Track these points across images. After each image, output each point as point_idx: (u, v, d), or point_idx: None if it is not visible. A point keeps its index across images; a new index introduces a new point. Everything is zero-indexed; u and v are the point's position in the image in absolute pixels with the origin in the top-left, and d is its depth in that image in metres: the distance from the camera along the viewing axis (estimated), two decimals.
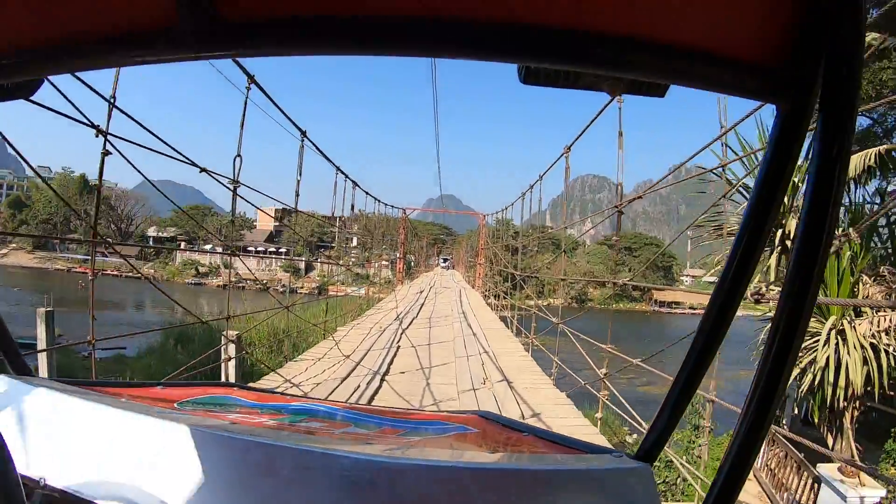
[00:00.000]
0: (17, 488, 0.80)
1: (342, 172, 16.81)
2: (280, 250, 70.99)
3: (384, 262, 41.96)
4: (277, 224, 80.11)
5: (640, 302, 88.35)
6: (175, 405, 1.55)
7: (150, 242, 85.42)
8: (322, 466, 1.06)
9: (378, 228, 31.41)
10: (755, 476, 9.86)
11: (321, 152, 11.53)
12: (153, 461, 1.13)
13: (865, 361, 9.31)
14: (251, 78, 7.23)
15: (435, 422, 1.83)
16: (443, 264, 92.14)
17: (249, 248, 74.50)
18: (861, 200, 11.78)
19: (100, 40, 0.82)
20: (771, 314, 1.39)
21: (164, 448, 1.14)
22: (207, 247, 76.58)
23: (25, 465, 0.95)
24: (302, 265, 73.08)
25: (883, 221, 11.23)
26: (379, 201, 28.64)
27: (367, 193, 23.64)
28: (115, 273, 64.61)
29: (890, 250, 11.52)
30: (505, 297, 23.87)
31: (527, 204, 18.67)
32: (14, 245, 79.37)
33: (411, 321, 17.23)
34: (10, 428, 1.04)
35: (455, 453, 1.22)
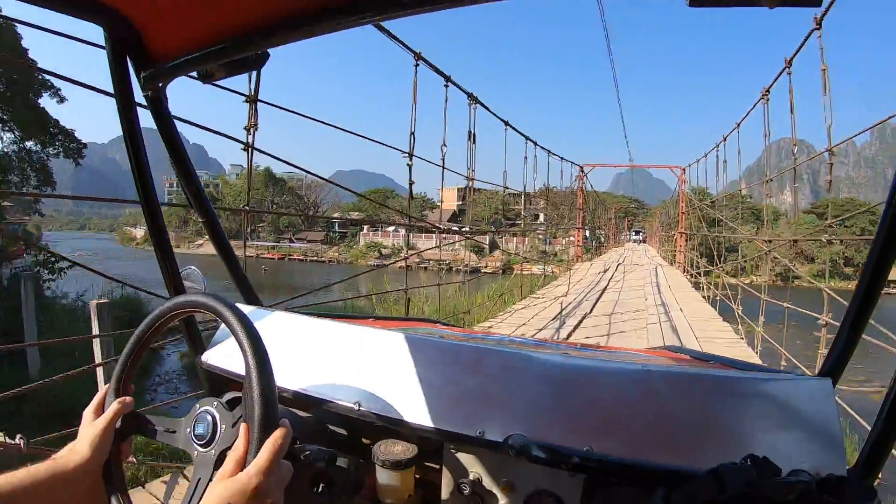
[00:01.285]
0: (275, 396, 0.98)
1: (523, 136, 16.42)
2: (463, 229, 71.58)
3: (572, 238, 40.84)
4: (460, 203, 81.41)
5: (854, 279, 77.71)
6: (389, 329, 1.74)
7: (337, 227, 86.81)
8: (524, 366, 1.20)
9: (564, 203, 30.76)
10: None
11: (501, 119, 12.08)
12: (371, 364, 1.35)
13: None
14: (418, 55, 7.91)
15: (628, 353, 2.06)
16: (634, 237, 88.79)
17: (432, 229, 74.81)
18: None
19: (308, 14, 1.03)
20: None
21: (388, 354, 1.35)
22: (390, 228, 79.67)
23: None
24: (486, 243, 72.99)
25: None
26: (564, 159, 26.25)
27: (549, 152, 21.60)
28: (301, 258, 69.95)
29: None
30: (699, 275, 21.51)
31: (720, 167, 17.50)
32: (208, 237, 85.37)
33: (579, 321, 11.38)
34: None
35: (645, 364, 1.23)
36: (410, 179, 8.35)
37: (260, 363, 1.00)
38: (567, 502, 1.08)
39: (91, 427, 1.19)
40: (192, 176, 1.66)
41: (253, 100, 5.08)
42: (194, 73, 1.43)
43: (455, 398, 1.21)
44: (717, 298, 15.33)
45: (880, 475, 1.02)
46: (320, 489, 1.21)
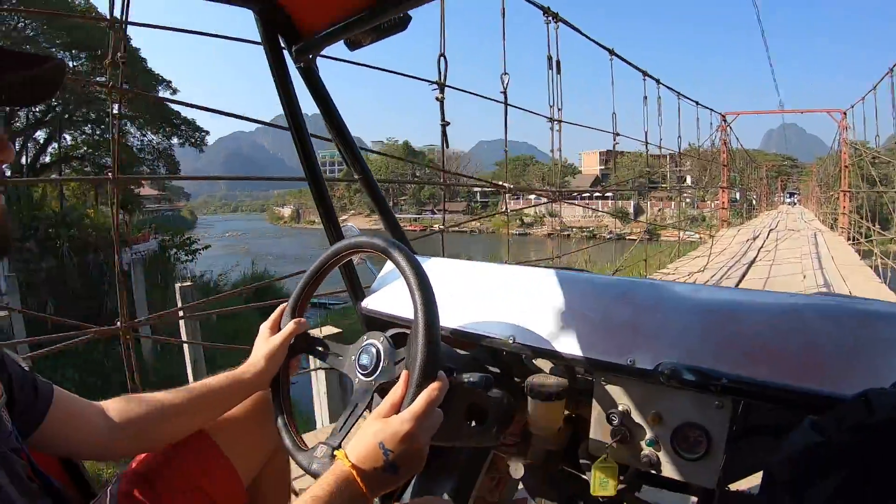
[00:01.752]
0: (438, 347, 1.06)
1: (639, 70, 14.62)
2: (606, 195, 70.43)
3: (721, 203, 38.84)
4: (602, 167, 79.58)
5: None
6: None
7: (478, 197, 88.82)
8: (673, 297, 1.26)
9: (712, 162, 29.18)
10: None
11: (604, 47, 10.48)
12: (524, 301, 1.44)
13: None
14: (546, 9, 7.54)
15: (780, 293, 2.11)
16: (788, 199, 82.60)
17: (574, 195, 74.53)
18: None
19: None
20: None
21: (541, 291, 1.43)
22: (532, 196, 78.90)
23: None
24: (630, 209, 68.02)
25: None
26: (700, 105, 20.64)
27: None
28: (442, 228, 70.24)
29: None
30: (869, 243, 17.85)
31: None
32: (353, 212, 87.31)
33: None
34: None
35: (796, 295, 1.24)
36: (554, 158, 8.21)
37: (428, 312, 1.06)
38: (714, 435, 1.09)
39: (267, 343, 1.35)
40: (349, 142, 1.79)
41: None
42: (341, 42, 1.52)
43: (606, 329, 1.26)
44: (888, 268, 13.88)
45: None
46: (475, 422, 1.30)
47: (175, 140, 26.08)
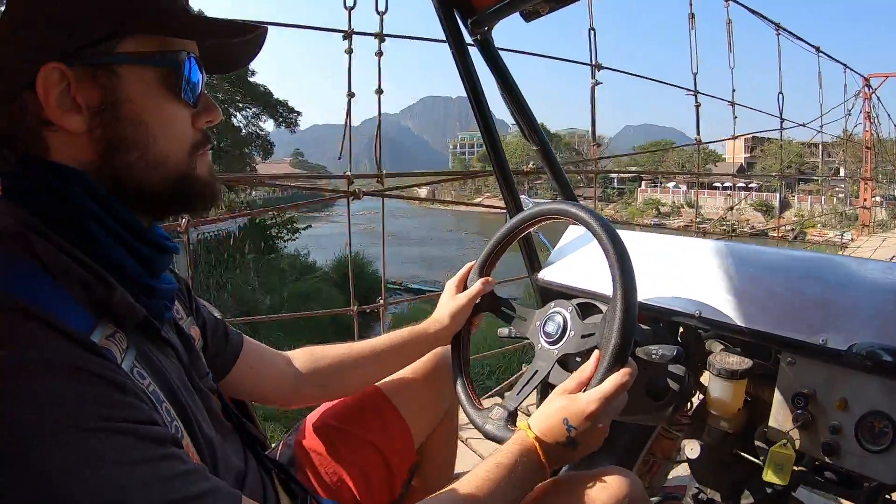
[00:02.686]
0: (632, 330, 1.07)
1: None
2: (750, 185, 66.89)
3: (876, 200, 35.37)
4: (748, 155, 75.76)
5: None
6: None
7: (615, 183, 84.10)
8: (866, 274, 1.21)
9: (873, 150, 26.34)
10: None
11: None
12: (710, 275, 1.41)
13: None
14: (817, 49, 8.14)
15: None
16: None
17: (716, 185, 68.95)
18: None
19: None
20: None
21: (727, 265, 1.41)
22: (670, 184, 75.54)
23: (605, 284, 1.18)
24: (775, 202, 62.18)
25: None
26: (829, 58, 16.25)
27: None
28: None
29: None
30: None
31: None
32: (487, 194, 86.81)
33: None
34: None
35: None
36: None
37: (627, 293, 1.06)
38: None
39: (453, 300, 1.40)
40: (527, 112, 1.80)
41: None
42: (517, 14, 1.54)
43: (796, 305, 1.20)
44: None
45: None
46: (658, 397, 1.31)
47: (271, 123, 26.71)
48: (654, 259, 1.54)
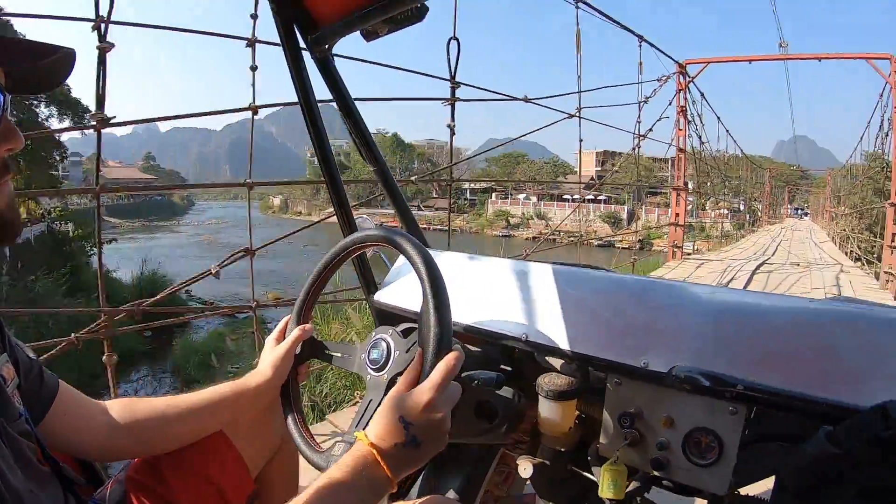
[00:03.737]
0: (450, 323, 1.09)
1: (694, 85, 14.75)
2: (599, 198, 71.20)
3: (722, 212, 38.08)
4: (598, 168, 79.60)
5: None
6: None
7: (467, 195, 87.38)
8: (688, 298, 1.26)
9: (717, 167, 28.14)
10: None
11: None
12: (537, 298, 1.44)
13: None
14: (640, 37, 9.39)
15: (795, 297, 2.13)
16: (796, 212, 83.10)
17: (566, 197, 74.75)
18: None
19: None
20: None
21: (554, 288, 1.43)
22: (521, 196, 79.32)
23: None
24: (624, 214, 69.54)
25: None
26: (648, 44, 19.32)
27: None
28: (425, 226, 70.83)
29: None
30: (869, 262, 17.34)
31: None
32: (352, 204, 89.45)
33: None
34: None
35: (813, 301, 1.22)
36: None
37: (436, 289, 1.09)
38: (726, 440, 1.10)
39: (273, 351, 1.38)
40: (364, 132, 1.80)
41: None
42: (358, 32, 1.54)
43: (620, 329, 1.26)
44: None
45: None
46: (485, 420, 1.38)
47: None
48: (484, 282, 1.61)
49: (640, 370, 1.19)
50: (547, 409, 1.35)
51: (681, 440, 1.15)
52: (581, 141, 7.99)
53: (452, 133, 5.57)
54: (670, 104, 13.17)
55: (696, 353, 1.15)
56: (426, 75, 5.78)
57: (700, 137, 16.52)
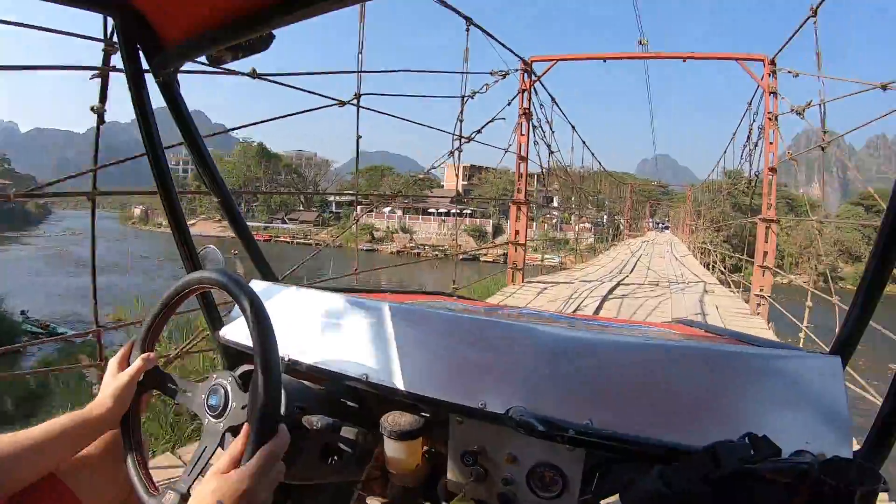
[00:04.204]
0: (278, 403, 1.10)
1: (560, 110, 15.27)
2: (465, 212, 72.24)
3: (586, 225, 38.91)
4: (465, 183, 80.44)
5: None
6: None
7: (333, 207, 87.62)
8: (526, 338, 1.25)
9: (583, 182, 28.53)
10: None
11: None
12: (378, 337, 1.41)
13: None
14: (468, 20, 8.98)
15: (639, 326, 2.23)
16: (658, 225, 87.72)
17: (431, 210, 75.34)
18: None
19: None
20: None
21: (395, 327, 1.41)
22: (386, 209, 79.18)
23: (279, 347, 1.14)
24: (489, 228, 71.51)
25: None
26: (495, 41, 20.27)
27: (584, 143, 21.53)
28: (288, 240, 69.33)
29: None
30: (723, 272, 18.82)
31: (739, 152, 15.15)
32: (203, 216, 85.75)
33: None
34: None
35: (647, 338, 1.26)
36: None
37: (267, 367, 1.06)
38: (569, 475, 1.14)
39: (115, 379, 1.33)
40: (206, 158, 1.79)
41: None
42: (203, 59, 1.55)
43: (459, 370, 1.26)
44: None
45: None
46: (331, 461, 1.37)
47: None
48: (327, 319, 1.57)
49: (477, 411, 1.18)
50: (392, 448, 1.33)
51: (524, 475, 1.18)
52: (359, 137, 6.75)
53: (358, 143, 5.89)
54: (509, 104, 12.08)
55: (531, 393, 1.15)
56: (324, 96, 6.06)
57: (549, 146, 15.20)
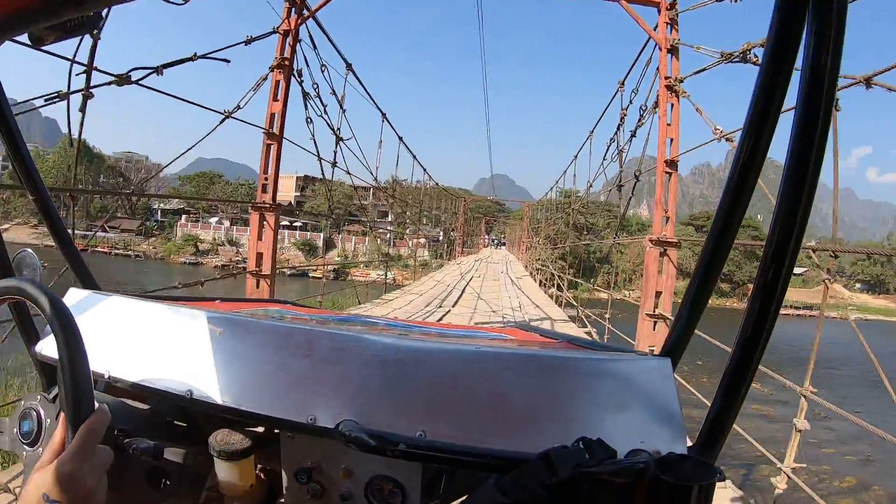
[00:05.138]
0: (88, 381, 1.04)
1: (387, 121, 15.37)
2: (295, 224, 71.04)
3: (421, 241, 38.68)
4: (298, 194, 79.12)
5: (731, 297, 76.98)
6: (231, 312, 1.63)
7: (158, 216, 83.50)
8: (355, 348, 1.22)
9: (418, 198, 28.17)
10: None
11: (368, 94, 11.83)
12: (203, 350, 1.32)
13: None
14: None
15: (476, 332, 2.27)
16: (493, 242, 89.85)
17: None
18: None
19: None
20: None
21: (219, 338, 1.33)
22: (213, 219, 76.19)
23: (94, 361, 1.09)
24: (320, 242, 71.41)
25: None
26: (417, 161, 23.31)
27: (414, 157, 21.95)
28: (106, 250, 64.60)
29: None
30: (560, 288, 19.47)
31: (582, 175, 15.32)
32: (18, 220, 78.12)
33: None
34: (82, 331, 1.12)
35: (480, 346, 1.23)
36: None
37: (69, 345, 1.02)
38: (407, 487, 1.14)
39: None
40: (21, 150, 1.61)
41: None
42: (22, 38, 1.37)
43: (286, 383, 1.22)
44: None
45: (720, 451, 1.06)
46: (163, 484, 1.27)
47: None
48: (152, 331, 1.47)
49: (307, 426, 1.14)
50: (222, 469, 1.28)
51: (362, 489, 1.17)
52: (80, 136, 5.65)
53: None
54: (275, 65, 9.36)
55: (363, 405, 1.13)
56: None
57: (337, 131, 11.62)
